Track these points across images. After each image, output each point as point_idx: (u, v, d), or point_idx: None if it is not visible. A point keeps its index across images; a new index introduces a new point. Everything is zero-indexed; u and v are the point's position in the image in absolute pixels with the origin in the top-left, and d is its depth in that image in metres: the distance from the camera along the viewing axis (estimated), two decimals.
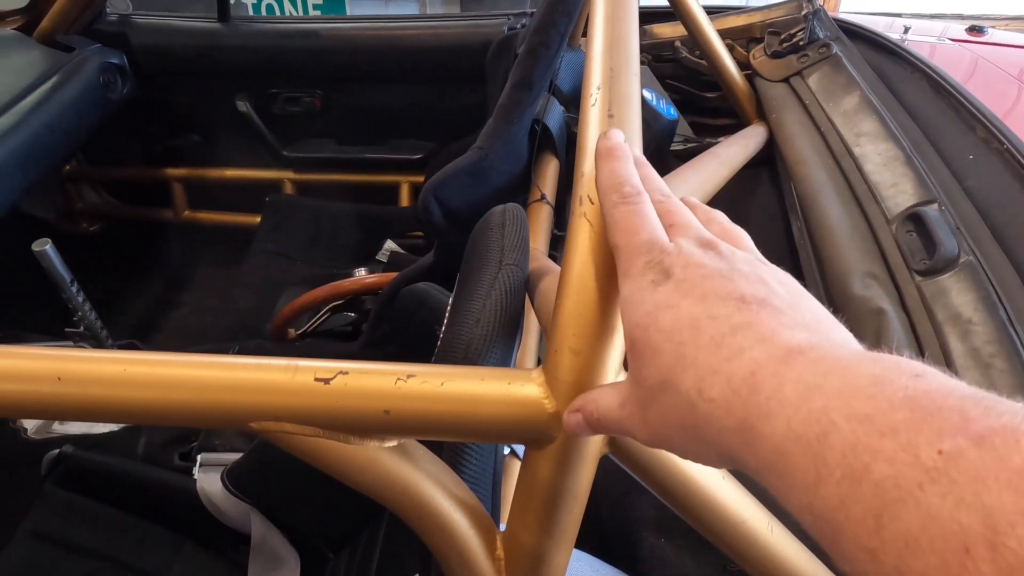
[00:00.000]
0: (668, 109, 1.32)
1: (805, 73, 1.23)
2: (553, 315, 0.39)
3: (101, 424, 1.15)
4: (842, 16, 1.37)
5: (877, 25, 1.31)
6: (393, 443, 0.41)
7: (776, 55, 1.30)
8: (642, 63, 1.47)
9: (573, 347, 0.37)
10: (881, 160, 0.94)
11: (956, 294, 0.72)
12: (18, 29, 1.59)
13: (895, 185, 0.89)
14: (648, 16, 1.52)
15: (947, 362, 0.67)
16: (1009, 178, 0.81)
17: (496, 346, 0.51)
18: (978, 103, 0.93)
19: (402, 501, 0.43)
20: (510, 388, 0.38)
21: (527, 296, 0.59)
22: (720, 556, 0.50)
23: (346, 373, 0.38)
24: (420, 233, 1.72)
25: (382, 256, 1.69)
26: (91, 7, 1.63)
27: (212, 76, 1.77)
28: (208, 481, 0.94)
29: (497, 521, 0.51)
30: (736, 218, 0.36)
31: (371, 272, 1.46)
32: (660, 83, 1.50)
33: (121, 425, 1.14)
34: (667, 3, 1.26)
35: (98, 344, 1.42)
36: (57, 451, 1.03)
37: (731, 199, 1.17)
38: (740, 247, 0.33)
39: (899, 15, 1.98)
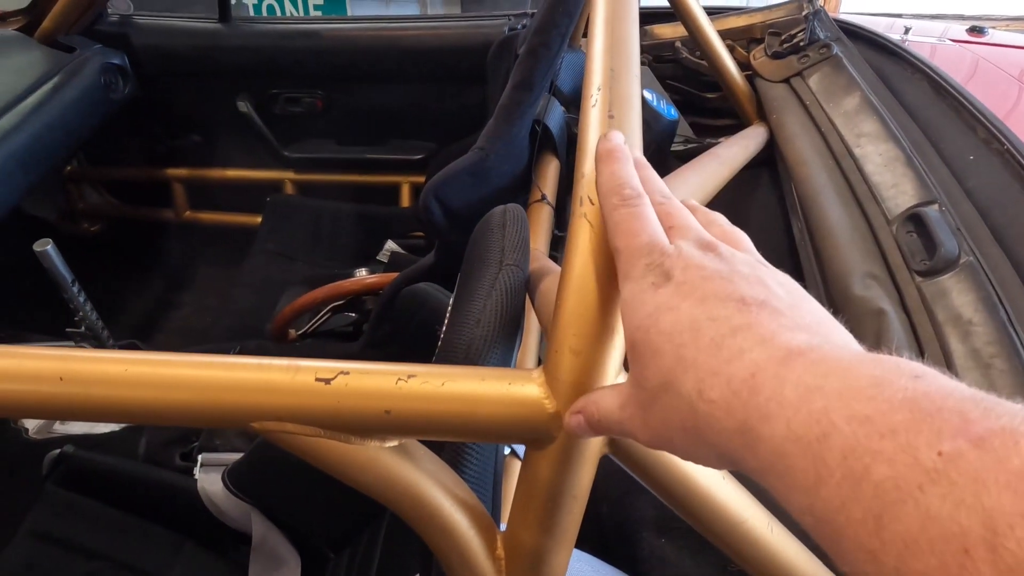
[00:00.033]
0: (668, 110, 1.32)
1: (806, 74, 1.23)
2: (553, 315, 0.39)
3: (102, 424, 1.15)
4: (842, 17, 1.37)
5: (878, 26, 1.31)
6: (394, 443, 0.41)
7: (776, 56, 1.30)
8: (642, 64, 1.47)
9: (574, 347, 0.37)
10: (882, 161, 0.94)
11: (956, 295, 0.72)
12: (19, 29, 1.60)
13: (895, 186, 0.89)
14: (648, 17, 1.52)
15: (947, 363, 0.67)
16: (1009, 179, 0.81)
17: (497, 346, 0.52)
18: (979, 104, 0.93)
19: (403, 501, 0.43)
20: (511, 388, 0.38)
21: (528, 296, 0.59)
22: (720, 556, 0.50)
23: (347, 373, 0.38)
24: (421, 233, 1.72)
25: (383, 256, 1.69)
26: (92, 8, 1.63)
27: (213, 76, 1.77)
28: (209, 481, 0.94)
29: (498, 521, 0.51)
30: (736, 219, 0.36)
31: (372, 272, 1.46)
32: (661, 84, 1.51)
33: (122, 425, 1.14)
34: (667, 4, 1.26)
35: (99, 344, 1.42)
36: (58, 451, 1.03)
37: (731, 200, 1.17)
38: (740, 249, 0.33)
39: (900, 16, 1.98)
